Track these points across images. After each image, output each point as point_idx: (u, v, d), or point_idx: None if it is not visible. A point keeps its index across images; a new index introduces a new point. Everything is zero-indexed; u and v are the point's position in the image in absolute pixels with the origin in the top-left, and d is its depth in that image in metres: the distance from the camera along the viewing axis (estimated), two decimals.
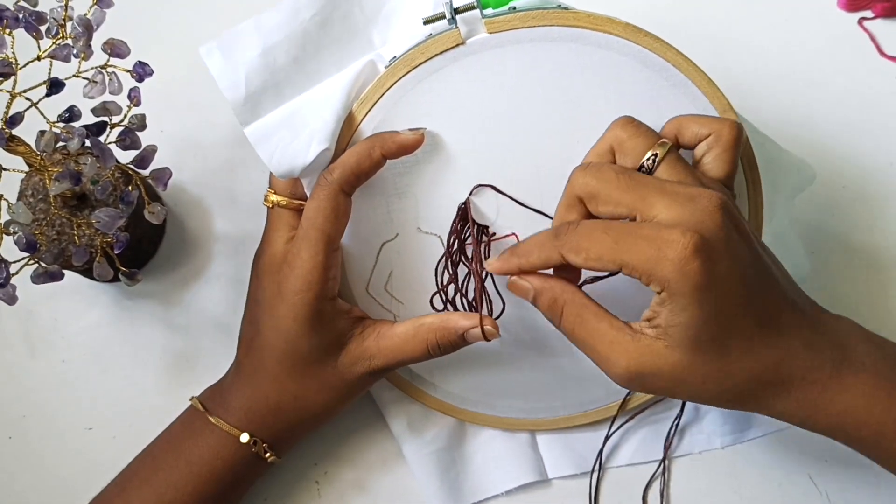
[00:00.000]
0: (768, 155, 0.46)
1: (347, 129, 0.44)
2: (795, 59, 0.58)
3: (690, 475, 0.51)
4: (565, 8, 0.43)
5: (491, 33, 0.42)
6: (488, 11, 0.42)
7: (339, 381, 0.45)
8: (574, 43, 0.42)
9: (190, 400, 0.46)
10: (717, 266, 0.35)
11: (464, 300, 0.45)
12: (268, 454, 0.45)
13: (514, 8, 0.43)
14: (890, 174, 0.56)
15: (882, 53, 0.58)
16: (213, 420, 0.44)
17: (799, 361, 0.37)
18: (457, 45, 0.42)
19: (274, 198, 0.45)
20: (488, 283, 0.44)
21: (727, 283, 0.35)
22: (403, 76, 0.43)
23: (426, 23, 0.43)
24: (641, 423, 0.51)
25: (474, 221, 0.45)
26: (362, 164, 0.42)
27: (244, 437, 0.44)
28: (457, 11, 0.42)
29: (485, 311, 0.44)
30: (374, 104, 0.44)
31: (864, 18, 0.58)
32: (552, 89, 0.43)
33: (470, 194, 0.45)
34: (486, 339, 0.43)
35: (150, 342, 0.53)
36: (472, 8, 0.42)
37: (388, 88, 0.43)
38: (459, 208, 0.45)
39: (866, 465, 0.50)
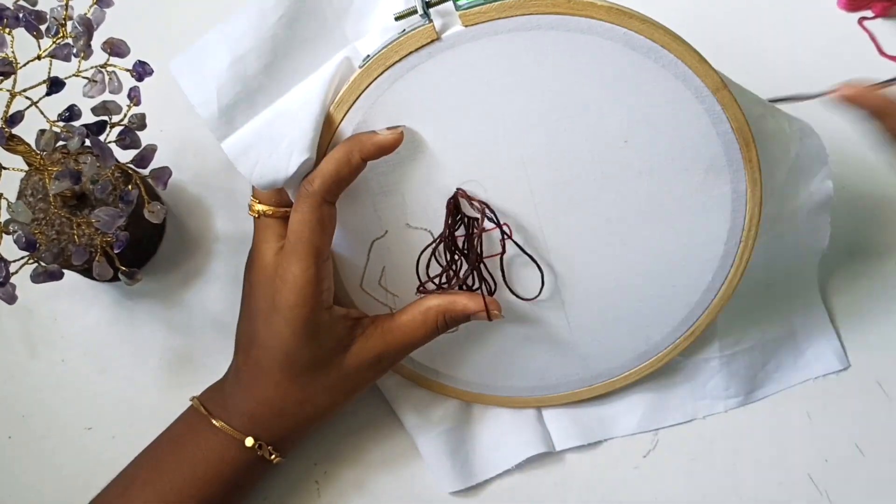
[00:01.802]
0: (769, 127, 0.45)
1: (326, 131, 0.43)
2: (795, 59, 0.58)
3: (691, 475, 0.51)
4: None
5: (467, 26, 0.40)
6: (462, 3, 0.41)
7: (344, 382, 0.45)
8: (555, 30, 0.41)
9: (190, 400, 0.46)
10: None
11: (460, 286, 0.45)
12: (272, 456, 0.45)
13: None
14: (890, 174, 0.56)
15: (882, 53, 0.58)
16: (216, 423, 0.44)
17: None
18: (432, 42, 0.41)
19: (259, 207, 0.44)
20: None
21: None
22: (379, 76, 0.42)
23: (398, 18, 0.41)
24: (646, 390, 0.51)
25: (465, 215, 0.45)
26: (342, 172, 0.41)
27: (248, 441, 0.44)
28: (429, 5, 0.40)
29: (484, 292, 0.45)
30: (352, 106, 0.42)
31: (864, 18, 0.58)
32: (535, 79, 0.42)
33: (455, 194, 0.44)
34: (490, 320, 0.44)
35: (150, 342, 0.53)
36: (445, 0, 0.40)
37: (365, 89, 0.42)
38: (448, 203, 0.44)
39: (866, 464, 0.50)
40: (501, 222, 0.44)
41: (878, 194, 0.55)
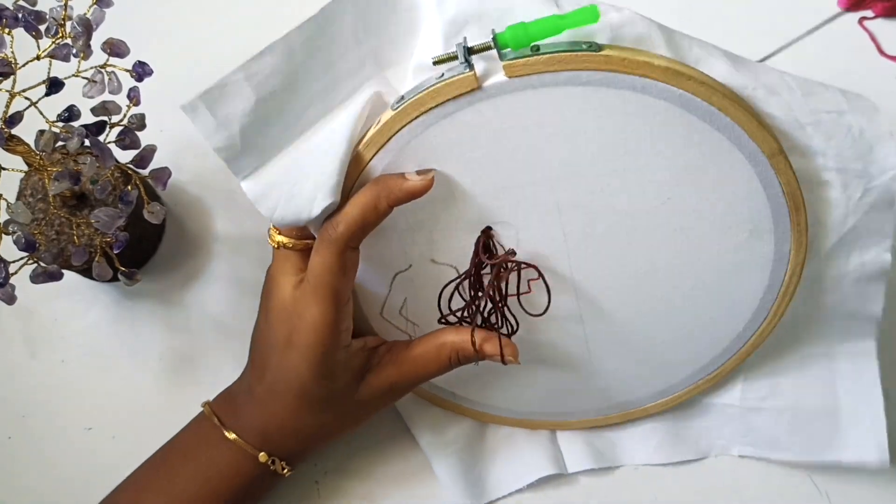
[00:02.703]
0: (831, 196, 0.42)
1: (354, 170, 0.40)
2: (795, 59, 0.58)
3: (691, 475, 0.51)
4: (598, 47, 0.37)
5: (510, 77, 0.37)
6: (507, 52, 0.37)
7: (357, 409, 0.45)
8: (606, 88, 0.38)
9: (202, 406, 0.46)
10: None
11: (481, 322, 0.44)
12: (285, 469, 0.45)
13: (538, 48, 0.37)
14: None
15: (882, 53, 0.57)
16: (230, 436, 0.44)
17: None
18: (472, 91, 0.38)
19: (279, 238, 0.42)
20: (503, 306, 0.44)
21: None
22: (413, 120, 0.39)
23: (436, 63, 0.38)
24: (662, 422, 0.51)
25: (495, 253, 0.43)
26: (368, 218, 0.39)
27: (262, 457, 0.44)
28: (471, 52, 0.37)
29: (503, 331, 0.44)
30: (382, 147, 0.40)
31: (864, 18, 0.58)
32: (578, 133, 0.39)
33: (485, 232, 0.42)
34: (505, 363, 0.43)
35: (150, 342, 0.53)
36: (489, 48, 0.37)
37: (397, 132, 0.39)
38: (478, 241, 0.43)
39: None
40: (531, 263, 0.43)
41: None
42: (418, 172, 0.40)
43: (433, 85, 0.38)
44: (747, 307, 0.45)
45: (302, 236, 0.42)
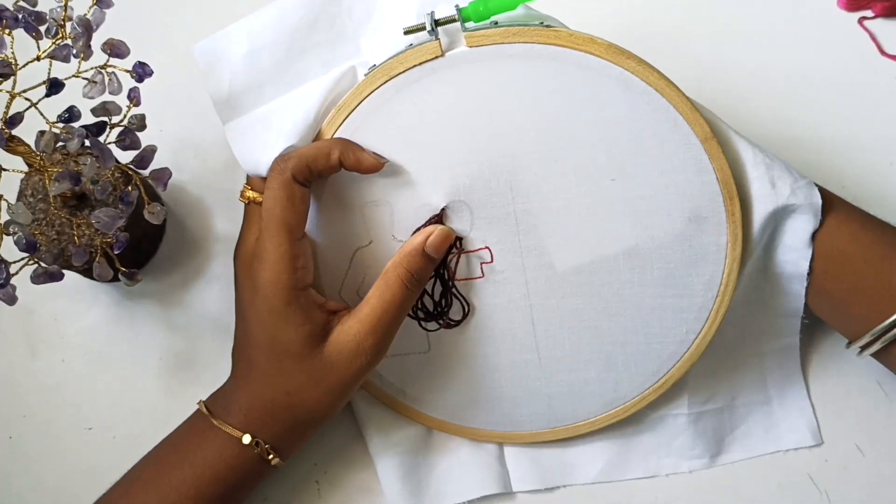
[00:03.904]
0: (757, 191, 0.44)
1: (328, 130, 0.44)
2: (795, 59, 0.58)
3: (691, 475, 0.51)
4: (548, 25, 0.42)
5: (471, 47, 0.42)
6: (469, 25, 0.42)
7: (329, 374, 0.44)
8: (555, 62, 0.42)
9: (197, 404, 0.46)
10: None
11: (434, 306, 0.46)
12: (270, 456, 0.45)
13: (496, 23, 0.42)
14: (890, 174, 0.56)
15: (882, 52, 0.58)
16: (216, 423, 0.44)
17: None
18: (436, 57, 0.42)
19: (249, 194, 0.45)
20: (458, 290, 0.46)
21: None
22: (382, 85, 0.43)
23: (407, 33, 0.42)
24: (611, 440, 0.50)
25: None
26: (319, 160, 0.42)
27: (246, 439, 0.44)
28: (437, 23, 0.42)
29: (458, 315, 0.46)
30: (353, 111, 0.43)
31: (864, 18, 0.58)
32: (530, 107, 0.42)
33: (443, 210, 0.45)
34: (441, 244, 0.44)
35: (150, 342, 0.53)
36: (454, 20, 0.42)
37: (367, 96, 0.43)
38: (432, 220, 0.45)
39: (866, 464, 0.50)
40: (484, 245, 0.45)
41: (878, 194, 0.55)
42: (374, 154, 0.43)
43: (402, 52, 0.42)
44: (689, 304, 0.45)
45: None
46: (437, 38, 0.42)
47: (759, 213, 0.44)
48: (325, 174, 0.43)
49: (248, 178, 0.46)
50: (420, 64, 0.42)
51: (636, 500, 0.50)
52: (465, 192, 0.44)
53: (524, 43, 0.41)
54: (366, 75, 0.43)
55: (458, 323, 0.46)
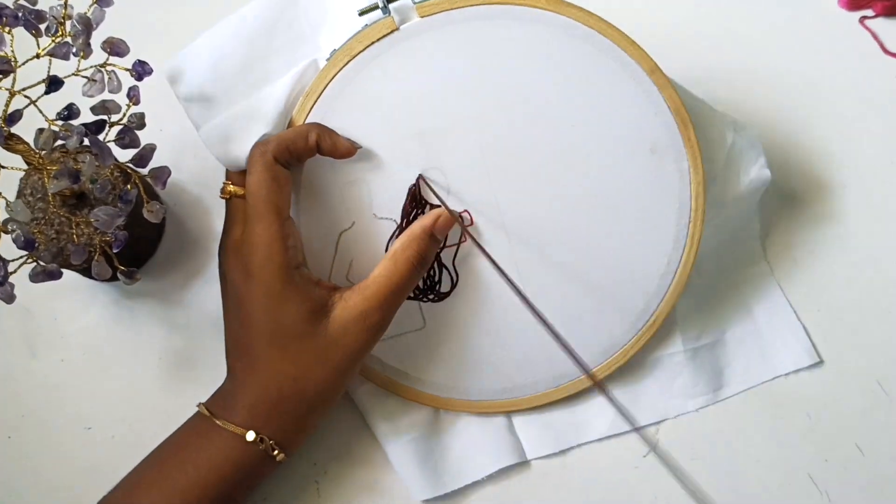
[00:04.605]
0: (705, 114, 0.48)
1: (298, 117, 0.46)
2: (796, 59, 0.58)
3: (690, 475, 0.51)
4: None
5: (423, 17, 0.44)
6: None
7: (334, 349, 0.44)
8: (502, 19, 0.44)
9: (197, 406, 0.46)
10: None
11: (423, 279, 0.47)
12: (275, 451, 0.44)
13: None
14: (890, 174, 0.56)
15: (886, 51, 0.57)
16: (218, 422, 0.44)
17: None
18: (392, 32, 0.44)
19: (231, 188, 0.45)
20: (445, 260, 0.47)
21: None
22: (345, 66, 0.45)
23: (361, 13, 0.45)
24: (614, 392, 0.52)
25: (426, 202, 0.46)
26: (297, 142, 0.44)
27: (250, 436, 0.43)
28: (389, 0, 0.44)
29: (445, 287, 0.48)
30: (320, 95, 0.45)
31: (864, 17, 0.58)
32: (488, 67, 0.45)
33: (418, 180, 0.46)
34: (446, 228, 0.46)
35: (150, 342, 0.53)
36: None
37: (332, 79, 0.45)
38: (410, 190, 0.46)
39: (866, 465, 0.50)
40: (462, 209, 0.47)
41: (878, 194, 0.55)
42: (348, 140, 0.45)
43: (358, 32, 0.45)
44: (665, 235, 0.47)
45: None
46: (390, 14, 0.44)
47: (713, 137, 0.48)
48: (303, 157, 0.45)
49: (228, 174, 0.46)
50: (378, 40, 0.45)
51: (637, 499, 0.50)
52: (438, 158, 0.46)
53: (471, 6, 0.44)
54: (328, 60, 0.45)
55: (447, 294, 0.48)
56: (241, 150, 0.45)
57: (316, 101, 0.45)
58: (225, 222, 0.46)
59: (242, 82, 0.45)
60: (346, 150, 0.45)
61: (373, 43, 0.44)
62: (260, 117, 0.45)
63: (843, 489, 0.50)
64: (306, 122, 0.46)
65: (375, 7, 0.44)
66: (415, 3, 0.44)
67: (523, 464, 0.51)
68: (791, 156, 0.56)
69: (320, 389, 0.44)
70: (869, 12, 0.58)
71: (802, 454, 0.51)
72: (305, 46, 0.46)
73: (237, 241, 0.44)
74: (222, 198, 0.46)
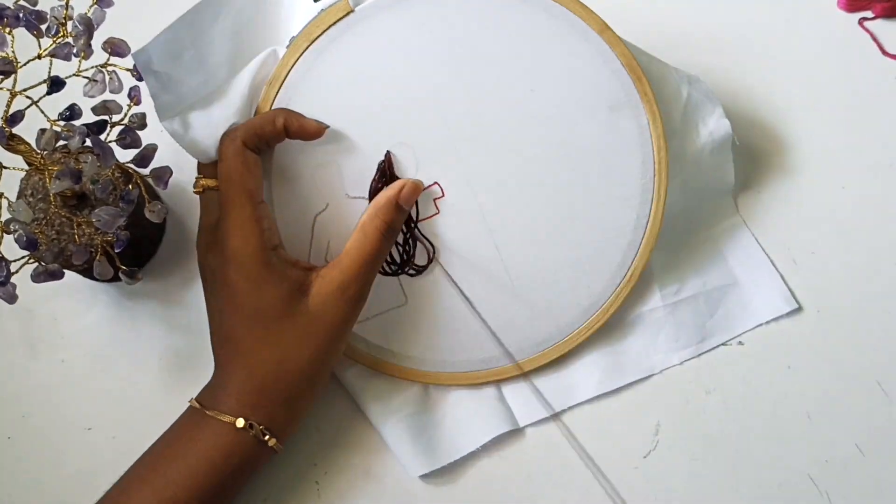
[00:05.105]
0: (657, 70, 0.49)
1: (262, 106, 0.47)
2: (795, 59, 0.58)
3: (691, 476, 0.51)
4: None
5: None
6: None
7: (317, 327, 0.44)
8: None
9: (189, 402, 0.46)
10: None
11: (400, 254, 0.48)
12: (267, 437, 0.44)
13: None
14: (890, 174, 0.56)
15: (885, 53, 0.58)
16: (209, 413, 0.44)
17: None
18: (347, 14, 0.46)
19: (203, 182, 0.46)
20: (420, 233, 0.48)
21: None
22: (305, 50, 0.46)
23: (316, 0, 0.46)
24: (600, 353, 0.52)
25: (396, 177, 0.47)
26: (265, 127, 0.44)
27: (240, 422, 0.43)
28: None
29: (422, 260, 0.49)
30: (283, 82, 0.46)
31: (864, 19, 0.58)
32: (444, 40, 0.46)
33: (387, 154, 0.47)
34: (411, 196, 0.47)
35: (150, 342, 0.53)
36: None
37: (293, 65, 0.46)
38: (379, 166, 0.47)
39: (866, 465, 0.50)
40: (433, 182, 0.48)
41: (878, 194, 0.55)
42: (316, 122, 0.46)
43: (315, 17, 0.46)
44: (633, 190, 0.49)
45: None
46: None
47: (668, 92, 0.49)
48: (272, 141, 0.45)
49: (200, 167, 0.46)
50: (334, 23, 0.46)
51: (637, 499, 0.50)
52: (404, 134, 0.47)
53: None
54: (287, 47, 0.46)
55: (425, 267, 0.48)
56: (209, 140, 0.45)
57: (279, 89, 0.46)
58: (201, 216, 0.46)
59: (204, 73, 0.45)
60: (314, 130, 0.46)
61: (330, 26, 0.46)
62: (226, 107, 0.45)
63: (843, 489, 0.50)
64: (272, 108, 0.46)
65: None
66: None
67: (518, 435, 0.51)
68: (791, 156, 0.56)
69: (305, 369, 0.45)
70: (868, 14, 0.58)
71: (802, 454, 0.51)
72: (264, 34, 0.47)
73: (213, 231, 0.45)
74: (196, 192, 0.46)
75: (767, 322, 0.53)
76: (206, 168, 0.46)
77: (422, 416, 0.51)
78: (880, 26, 0.58)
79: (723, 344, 0.53)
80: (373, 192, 0.47)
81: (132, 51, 0.43)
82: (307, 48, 0.46)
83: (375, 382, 0.51)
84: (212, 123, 0.45)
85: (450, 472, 0.51)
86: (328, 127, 0.46)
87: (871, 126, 0.56)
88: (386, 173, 0.47)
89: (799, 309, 0.53)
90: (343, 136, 0.47)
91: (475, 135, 0.47)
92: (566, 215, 0.49)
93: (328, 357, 0.45)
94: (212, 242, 0.45)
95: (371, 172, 0.47)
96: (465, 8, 0.46)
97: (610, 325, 0.51)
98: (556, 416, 0.51)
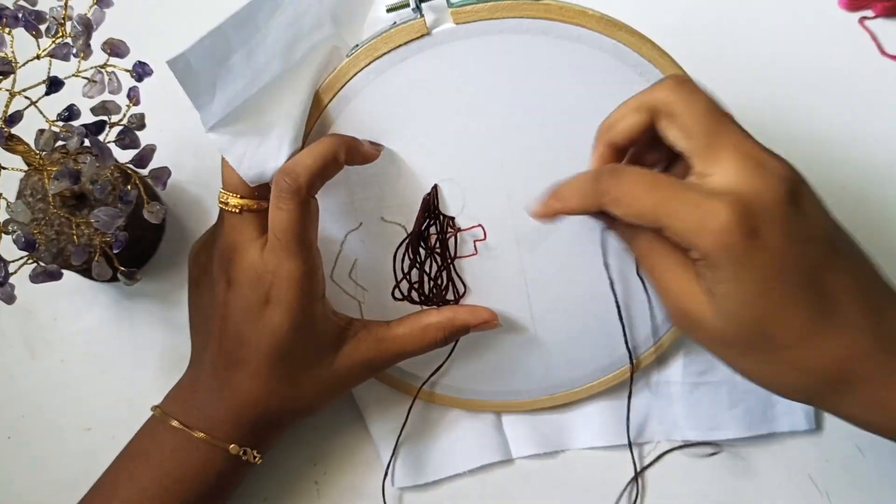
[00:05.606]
0: None
1: (312, 113, 0.43)
2: (796, 59, 0.58)
3: (691, 476, 0.51)
4: None
5: (458, 24, 0.41)
6: (454, 1, 0.41)
7: (334, 381, 0.45)
8: (545, 35, 0.41)
9: (152, 410, 0.45)
10: (764, 244, 0.33)
11: (430, 287, 0.47)
12: (256, 458, 0.44)
13: None
14: (890, 174, 0.55)
15: (884, 53, 0.57)
16: (198, 435, 0.43)
17: (867, 360, 0.34)
18: (422, 36, 0.41)
19: (240, 202, 0.42)
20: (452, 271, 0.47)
21: (775, 264, 0.33)
22: (366, 66, 0.42)
23: (389, 10, 0.42)
24: (607, 405, 0.51)
25: (440, 213, 0.45)
26: (329, 167, 0.41)
27: (233, 449, 0.43)
28: (422, 0, 0.41)
29: (450, 296, 0.47)
30: (337, 93, 0.43)
31: (864, 18, 0.58)
32: (520, 82, 0.42)
33: (433, 189, 0.45)
34: (485, 328, 0.46)
35: (150, 342, 0.53)
36: None
37: (351, 78, 0.42)
38: (424, 199, 0.45)
39: (866, 465, 0.50)
40: (476, 224, 0.45)
41: (878, 194, 0.55)
42: (371, 143, 0.43)
43: (385, 31, 0.42)
44: None
45: (261, 197, 0.42)
46: (422, 16, 0.41)
47: None
48: (334, 175, 0.42)
49: (227, 183, 0.42)
50: (405, 43, 0.42)
51: (637, 499, 0.50)
52: (455, 170, 0.44)
53: (514, 18, 0.41)
54: (348, 56, 0.42)
55: (454, 303, 0.47)
56: (260, 162, 0.41)
57: (332, 99, 0.43)
58: (231, 237, 0.43)
59: (257, 75, 0.41)
60: (371, 156, 0.43)
61: (400, 45, 0.42)
62: (281, 121, 0.41)
63: (843, 489, 0.50)
64: (320, 118, 0.43)
65: (405, 5, 0.41)
66: (451, 6, 0.41)
67: (505, 461, 0.51)
68: (791, 156, 0.56)
69: (314, 408, 0.46)
70: (869, 13, 0.58)
71: (802, 454, 0.51)
72: (320, 32, 0.42)
73: (256, 265, 0.42)
74: (232, 210, 0.42)
75: (782, 433, 0.50)
76: (240, 185, 0.42)
77: (417, 430, 0.51)
78: (881, 26, 0.58)
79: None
80: (416, 226, 0.45)
81: (169, 57, 0.38)
82: (369, 63, 0.42)
83: (379, 389, 0.50)
84: (264, 139, 0.41)
85: (427, 485, 0.51)
86: (383, 147, 0.44)
87: (871, 126, 0.56)
88: (430, 207, 0.45)
89: (815, 428, 0.50)
90: (391, 159, 0.44)
91: (529, 184, 0.43)
92: (607, 280, 0.46)
93: (335, 401, 0.47)
94: (251, 275, 0.42)
95: (412, 202, 0.45)
96: (554, 54, 0.42)
97: (623, 382, 0.49)
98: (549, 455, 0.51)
